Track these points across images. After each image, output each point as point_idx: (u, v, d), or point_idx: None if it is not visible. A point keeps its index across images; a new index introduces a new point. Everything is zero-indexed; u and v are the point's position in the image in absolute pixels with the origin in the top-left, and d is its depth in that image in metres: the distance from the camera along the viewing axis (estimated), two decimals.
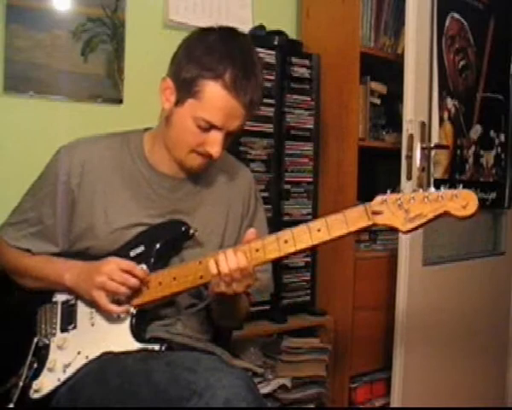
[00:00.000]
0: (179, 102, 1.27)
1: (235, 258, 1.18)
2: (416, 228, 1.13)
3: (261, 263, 1.22)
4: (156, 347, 1.23)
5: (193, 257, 1.28)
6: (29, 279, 1.35)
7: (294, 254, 1.22)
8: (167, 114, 1.30)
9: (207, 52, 1.24)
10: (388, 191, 1.15)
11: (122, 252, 1.29)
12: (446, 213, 1.10)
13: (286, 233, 1.19)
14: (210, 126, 1.25)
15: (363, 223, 1.15)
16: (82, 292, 1.28)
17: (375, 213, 1.14)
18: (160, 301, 1.28)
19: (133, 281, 1.24)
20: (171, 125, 1.29)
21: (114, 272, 1.23)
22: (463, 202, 1.09)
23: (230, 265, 1.18)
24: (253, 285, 1.25)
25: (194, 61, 1.24)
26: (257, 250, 1.19)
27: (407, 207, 1.12)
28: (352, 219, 1.15)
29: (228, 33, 1.30)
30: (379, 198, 1.14)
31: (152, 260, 1.28)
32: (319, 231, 1.17)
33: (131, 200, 1.33)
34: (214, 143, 1.26)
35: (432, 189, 1.12)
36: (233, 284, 1.19)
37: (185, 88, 1.25)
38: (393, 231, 1.16)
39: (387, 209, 1.13)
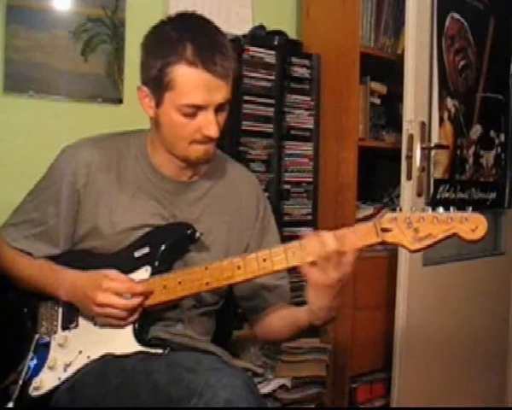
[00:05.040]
0: (159, 102, 1.25)
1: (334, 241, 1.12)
2: (424, 248, 1.13)
3: (268, 273, 1.21)
4: (159, 351, 1.22)
5: (197, 262, 1.27)
6: (27, 286, 1.34)
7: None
8: (154, 120, 1.29)
9: (163, 42, 1.23)
10: (398, 209, 1.15)
11: (127, 252, 1.28)
12: (455, 235, 1.11)
13: (294, 245, 1.18)
14: (196, 110, 1.22)
15: (372, 239, 1.14)
16: (84, 312, 1.27)
17: (385, 230, 1.13)
18: (164, 304, 1.27)
19: (139, 301, 1.22)
20: (161, 126, 1.28)
21: (116, 301, 1.21)
22: (473, 225, 1.09)
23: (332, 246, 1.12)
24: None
25: (153, 56, 1.24)
26: (264, 260, 1.19)
27: (416, 227, 1.12)
28: (362, 235, 1.14)
29: (178, 17, 1.29)
30: (389, 215, 1.14)
31: (156, 262, 1.27)
32: None
33: (136, 201, 1.32)
34: (209, 124, 1.23)
35: (441, 209, 1.12)
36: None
37: (157, 85, 1.23)
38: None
39: (397, 227, 1.13)
